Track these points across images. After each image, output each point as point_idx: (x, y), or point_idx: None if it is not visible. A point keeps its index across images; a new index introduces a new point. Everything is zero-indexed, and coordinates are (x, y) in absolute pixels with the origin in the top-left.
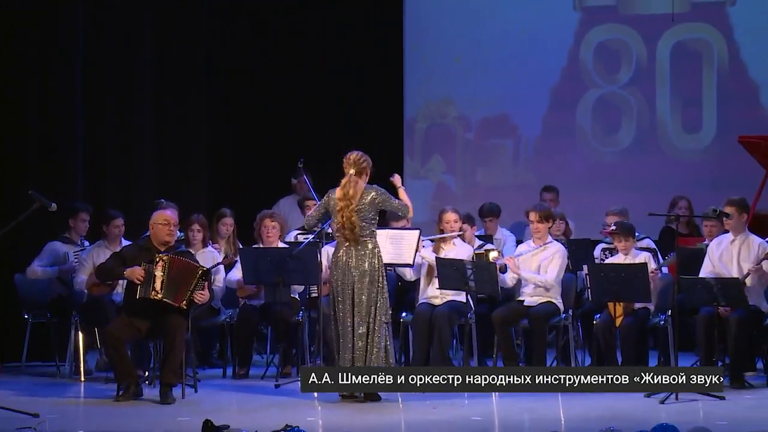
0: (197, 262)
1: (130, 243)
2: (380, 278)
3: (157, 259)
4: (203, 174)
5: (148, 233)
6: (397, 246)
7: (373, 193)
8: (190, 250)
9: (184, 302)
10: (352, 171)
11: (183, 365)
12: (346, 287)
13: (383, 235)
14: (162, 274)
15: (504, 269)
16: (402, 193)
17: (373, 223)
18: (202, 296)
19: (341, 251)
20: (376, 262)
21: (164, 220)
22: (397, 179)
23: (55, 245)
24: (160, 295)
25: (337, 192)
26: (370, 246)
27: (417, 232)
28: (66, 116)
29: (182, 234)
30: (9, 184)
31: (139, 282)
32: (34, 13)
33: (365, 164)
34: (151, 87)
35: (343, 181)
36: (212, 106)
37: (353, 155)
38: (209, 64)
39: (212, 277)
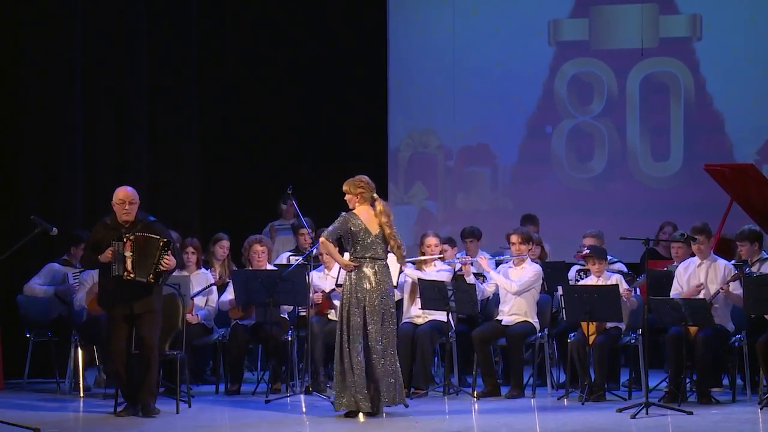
0: (165, 231)
1: (98, 222)
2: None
3: (125, 239)
4: (195, 199)
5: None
6: None
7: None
8: (158, 221)
9: (151, 276)
10: (375, 194)
11: (177, 381)
12: (386, 306)
13: None
14: (131, 253)
15: (479, 270)
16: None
17: None
18: (167, 262)
19: (374, 272)
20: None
21: (119, 199)
22: None
23: (54, 266)
24: (132, 275)
25: (383, 215)
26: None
27: None
28: (65, 138)
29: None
30: (9, 206)
31: (109, 260)
32: (33, 34)
33: None
34: (145, 114)
35: (383, 205)
36: (204, 135)
37: (366, 179)
38: (201, 97)
39: (206, 297)
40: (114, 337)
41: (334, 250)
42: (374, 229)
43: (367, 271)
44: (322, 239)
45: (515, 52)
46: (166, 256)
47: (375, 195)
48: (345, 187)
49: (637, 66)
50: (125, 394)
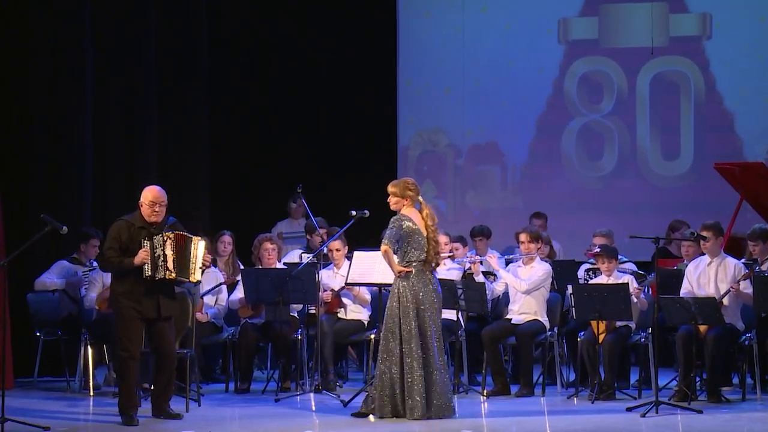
0: (186, 230)
1: (119, 221)
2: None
3: (165, 238)
4: (204, 199)
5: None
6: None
7: None
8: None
9: (193, 275)
10: (420, 197)
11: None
12: (437, 309)
13: (377, 257)
14: (172, 252)
15: (488, 272)
16: None
17: None
18: (207, 259)
19: (424, 275)
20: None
21: (150, 201)
22: None
23: (64, 263)
24: (173, 274)
25: (429, 219)
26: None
27: None
28: (75, 137)
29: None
30: (19, 205)
31: (146, 262)
32: (43, 35)
33: None
34: (154, 113)
35: (429, 208)
36: (214, 133)
37: (412, 180)
38: (209, 96)
39: (216, 296)
40: (135, 342)
41: (393, 258)
42: (424, 232)
43: (417, 275)
44: (385, 247)
45: (525, 50)
46: (206, 253)
47: (420, 198)
48: (392, 189)
49: (647, 65)
50: (124, 406)
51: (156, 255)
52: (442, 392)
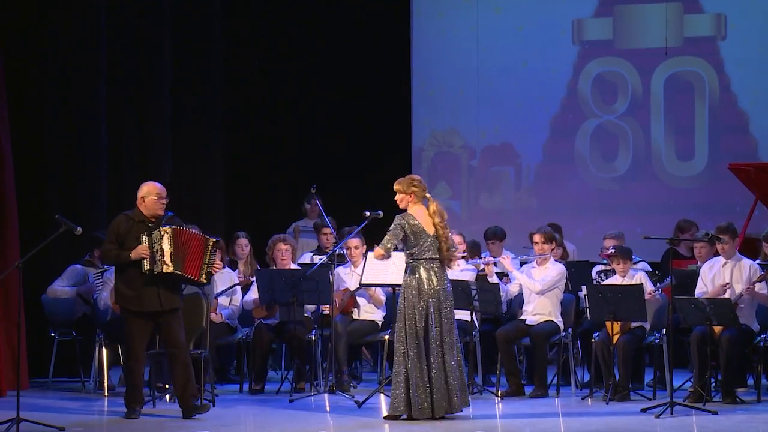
0: (183, 224)
1: (119, 215)
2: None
3: (162, 233)
4: (219, 199)
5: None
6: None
7: None
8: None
9: (203, 276)
10: (427, 194)
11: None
12: (442, 307)
13: (393, 257)
14: (169, 246)
15: (501, 275)
16: None
17: None
18: (218, 267)
19: (431, 273)
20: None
21: (157, 194)
22: None
23: (76, 267)
24: (171, 268)
25: (437, 215)
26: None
27: None
28: (90, 140)
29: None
30: (34, 206)
31: (144, 257)
32: (57, 31)
33: None
34: (169, 113)
35: (436, 205)
36: (229, 135)
37: (418, 177)
38: (225, 97)
39: (230, 296)
40: (138, 337)
41: (384, 259)
42: (430, 230)
43: (424, 273)
44: (378, 251)
45: (539, 51)
46: (216, 258)
47: (428, 194)
48: (397, 186)
49: (661, 65)
50: (130, 400)
51: (154, 249)
52: (444, 390)
